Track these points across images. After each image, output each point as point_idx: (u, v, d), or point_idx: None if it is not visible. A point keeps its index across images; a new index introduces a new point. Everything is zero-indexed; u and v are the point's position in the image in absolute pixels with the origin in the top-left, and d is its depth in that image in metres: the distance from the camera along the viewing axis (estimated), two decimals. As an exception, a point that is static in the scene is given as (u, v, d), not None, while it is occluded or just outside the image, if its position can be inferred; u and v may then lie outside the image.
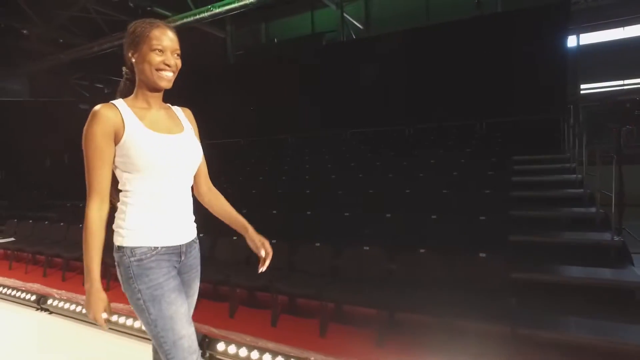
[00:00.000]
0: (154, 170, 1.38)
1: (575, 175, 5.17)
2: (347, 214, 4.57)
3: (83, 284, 1.36)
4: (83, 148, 1.34)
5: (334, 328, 3.27)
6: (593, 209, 4.26)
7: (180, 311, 1.40)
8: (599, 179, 4.43)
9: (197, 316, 1.64)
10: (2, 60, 13.07)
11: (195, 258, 1.57)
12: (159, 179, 1.40)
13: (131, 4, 9.44)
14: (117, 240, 1.39)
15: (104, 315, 1.36)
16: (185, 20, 9.81)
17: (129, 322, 3.36)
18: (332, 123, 9.15)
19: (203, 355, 2.88)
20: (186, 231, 1.50)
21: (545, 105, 6.88)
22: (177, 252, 1.46)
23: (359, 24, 11.19)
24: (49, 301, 4.07)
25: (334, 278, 3.60)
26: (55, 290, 4.43)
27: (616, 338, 2.66)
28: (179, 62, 1.45)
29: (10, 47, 12.19)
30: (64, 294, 4.26)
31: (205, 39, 12.67)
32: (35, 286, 4.63)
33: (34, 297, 4.19)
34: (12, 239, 6.20)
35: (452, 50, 7.89)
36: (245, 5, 8.97)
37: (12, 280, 4.88)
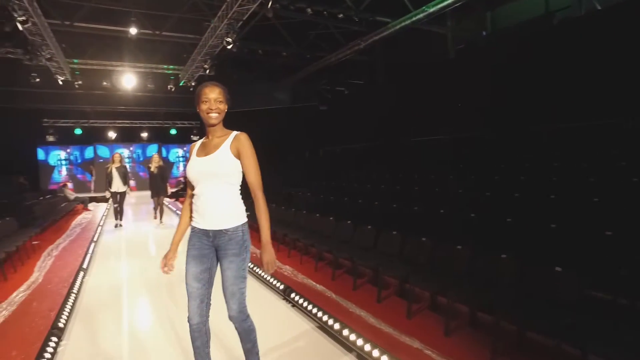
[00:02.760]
0: (190, 179, 2.27)
1: None
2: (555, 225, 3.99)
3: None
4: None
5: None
6: None
7: (190, 270, 2.25)
8: None
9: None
10: (272, 77, 17.38)
11: (225, 243, 2.22)
12: (195, 184, 2.26)
13: (356, 19, 10.73)
14: None
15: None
16: (403, 24, 10.39)
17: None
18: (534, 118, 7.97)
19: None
20: (212, 221, 2.22)
21: None
22: (207, 234, 2.24)
23: (610, -10, 9.06)
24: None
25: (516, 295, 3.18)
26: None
27: None
28: (221, 106, 2.23)
29: (277, 66, 15.82)
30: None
31: (425, 38, 12.94)
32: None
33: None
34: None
35: None
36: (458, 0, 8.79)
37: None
